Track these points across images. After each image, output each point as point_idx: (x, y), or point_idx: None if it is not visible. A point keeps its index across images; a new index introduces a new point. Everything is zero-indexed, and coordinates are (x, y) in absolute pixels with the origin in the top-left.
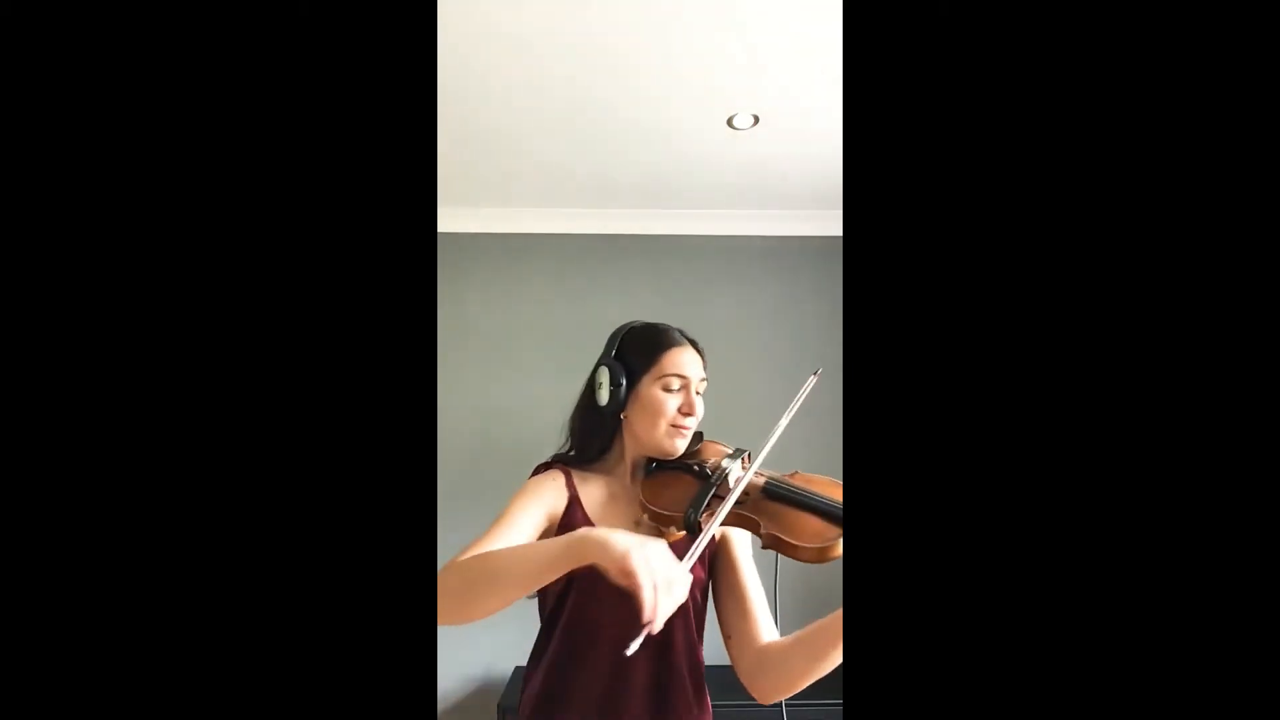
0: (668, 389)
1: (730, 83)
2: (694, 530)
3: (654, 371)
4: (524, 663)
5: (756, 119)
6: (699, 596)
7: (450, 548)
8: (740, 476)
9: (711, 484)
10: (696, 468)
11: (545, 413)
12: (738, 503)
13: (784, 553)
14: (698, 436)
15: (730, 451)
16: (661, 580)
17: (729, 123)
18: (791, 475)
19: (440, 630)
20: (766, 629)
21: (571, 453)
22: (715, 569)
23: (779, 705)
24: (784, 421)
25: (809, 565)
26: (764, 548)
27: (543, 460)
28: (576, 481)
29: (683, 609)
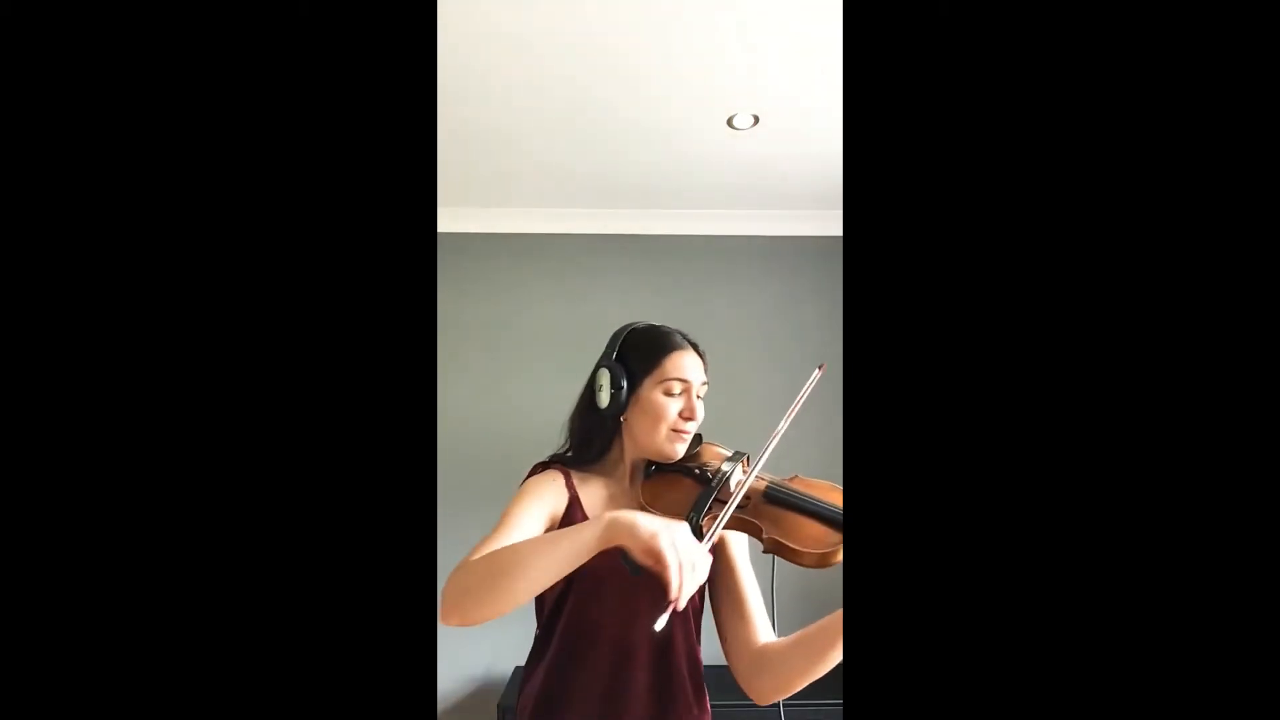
0: (669, 393)
1: (730, 83)
2: (697, 534)
3: (656, 375)
4: (524, 662)
5: (756, 119)
6: (698, 598)
7: (450, 547)
8: (741, 480)
9: (712, 487)
10: (697, 471)
11: (546, 412)
12: (739, 506)
13: (785, 557)
14: (696, 439)
15: (729, 454)
16: (687, 560)
17: (729, 123)
18: (791, 479)
19: (440, 630)
20: (764, 630)
21: (570, 453)
22: (713, 571)
23: (776, 705)
24: (784, 424)
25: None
26: (765, 552)
27: (540, 460)
28: (576, 482)
29: (682, 610)
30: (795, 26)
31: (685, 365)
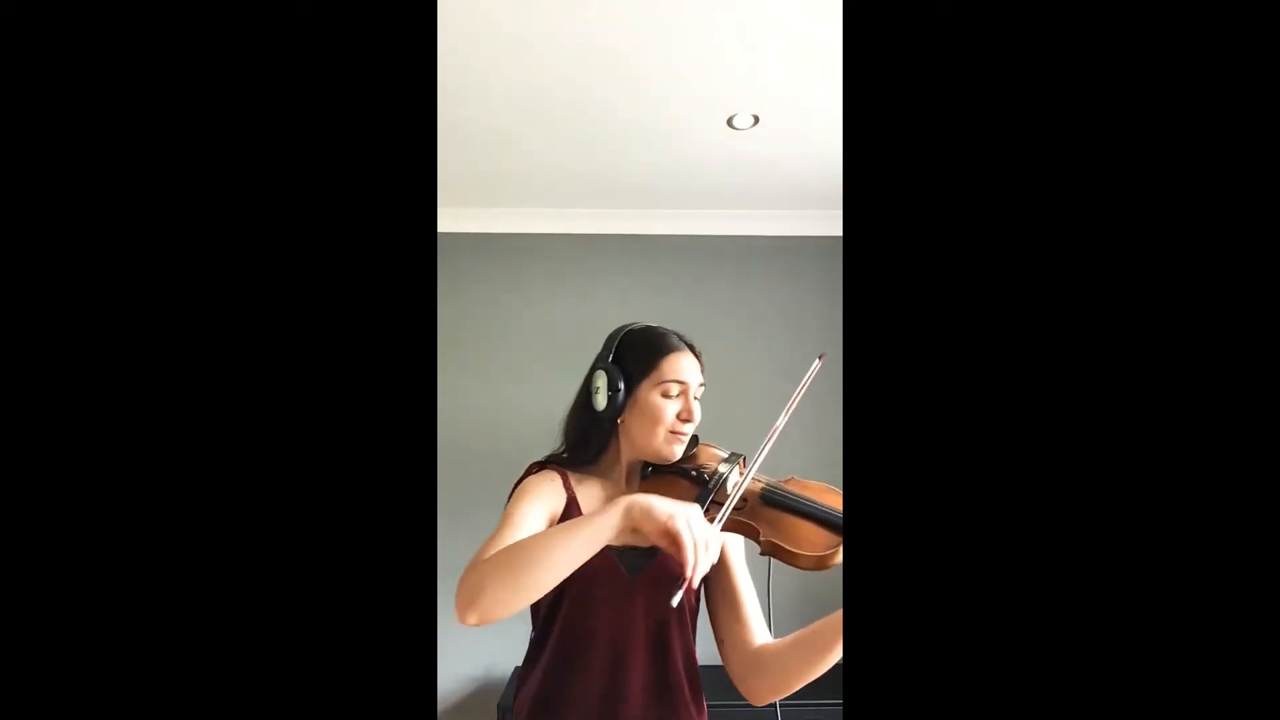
0: (667, 395)
1: (730, 83)
2: None
3: (653, 377)
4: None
5: (756, 119)
6: (693, 599)
7: (449, 547)
8: (738, 482)
9: (709, 489)
10: (694, 473)
11: (545, 413)
12: (736, 508)
13: (783, 560)
14: (693, 440)
15: (726, 456)
16: (701, 541)
17: (729, 123)
18: (787, 481)
19: (440, 630)
20: (759, 632)
21: (566, 454)
22: (709, 572)
23: (773, 706)
24: (782, 419)
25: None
26: (762, 554)
27: (536, 460)
28: (573, 483)
29: (679, 610)
30: (795, 26)
31: (682, 367)
